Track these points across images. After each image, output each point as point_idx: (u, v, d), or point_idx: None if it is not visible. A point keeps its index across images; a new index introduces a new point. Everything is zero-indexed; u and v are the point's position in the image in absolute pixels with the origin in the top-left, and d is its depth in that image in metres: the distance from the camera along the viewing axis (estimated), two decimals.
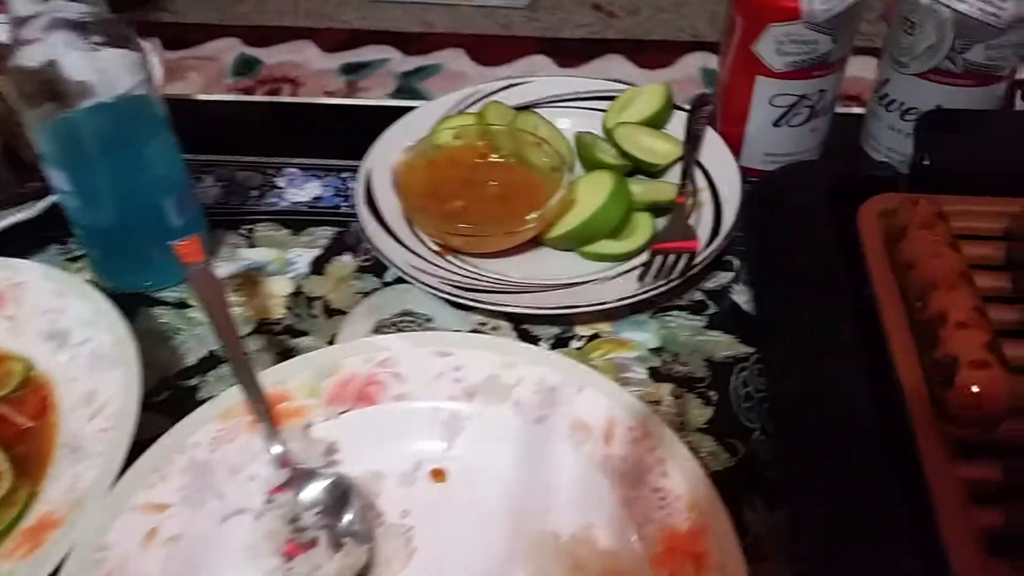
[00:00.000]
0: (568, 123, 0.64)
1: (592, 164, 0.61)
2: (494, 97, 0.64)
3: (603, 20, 0.98)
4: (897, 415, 0.41)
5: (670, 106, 0.63)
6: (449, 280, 0.53)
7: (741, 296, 0.56)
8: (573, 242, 0.57)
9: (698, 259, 0.54)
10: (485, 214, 0.56)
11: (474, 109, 0.64)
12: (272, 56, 0.94)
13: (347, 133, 0.65)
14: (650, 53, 0.91)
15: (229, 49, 0.93)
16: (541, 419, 0.46)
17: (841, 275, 0.49)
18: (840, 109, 0.63)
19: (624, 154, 0.61)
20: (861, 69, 0.86)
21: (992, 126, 0.56)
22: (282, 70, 0.91)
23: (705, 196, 0.59)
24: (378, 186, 0.59)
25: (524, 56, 0.94)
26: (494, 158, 0.60)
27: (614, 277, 0.54)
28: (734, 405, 0.50)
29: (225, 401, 0.45)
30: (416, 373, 0.47)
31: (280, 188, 0.63)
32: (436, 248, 0.56)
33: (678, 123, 0.63)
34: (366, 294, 0.55)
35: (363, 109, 0.71)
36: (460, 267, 0.55)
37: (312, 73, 0.90)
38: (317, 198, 0.62)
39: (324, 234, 0.59)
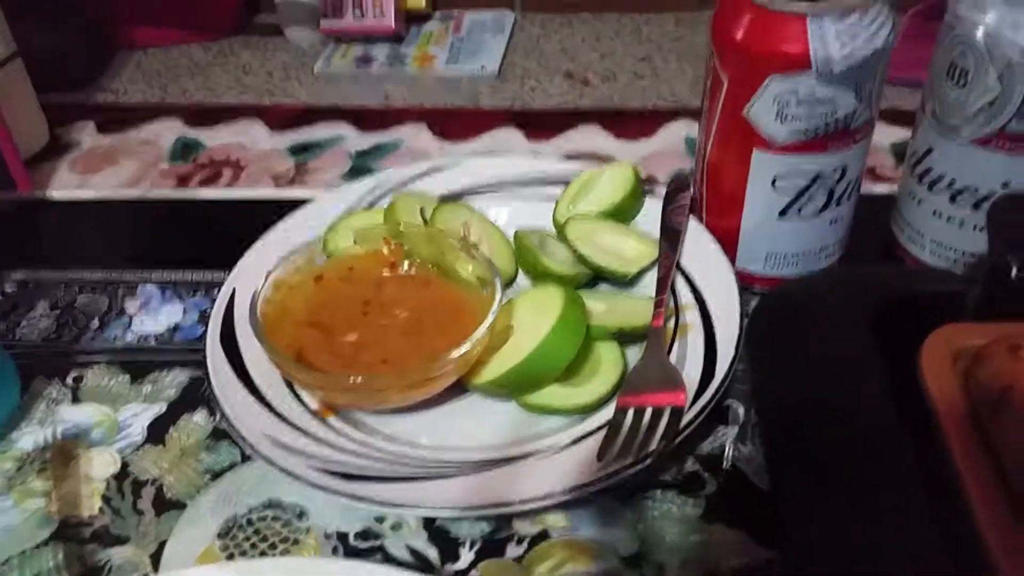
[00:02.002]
0: (507, 218, 0.43)
1: (538, 274, 0.40)
2: (413, 185, 0.44)
3: (577, 88, 0.77)
4: None
5: (640, 192, 0.43)
6: (324, 459, 0.33)
7: (750, 464, 0.34)
8: (509, 389, 0.36)
9: (687, 417, 0.33)
10: (389, 352, 0.36)
11: (388, 202, 0.44)
12: (215, 137, 0.73)
13: (225, 237, 0.44)
14: (628, 122, 0.70)
15: (169, 131, 0.73)
16: None
17: (898, 445, 0.28)
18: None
19: (581, 258, 0.40)
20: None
21: None
22: (225, 152, 0.71)
23: (692, 316, 0.38)
24: (244, 314, 0.38)
25: (492, 129, 0.72)
26: (406, 270, 0.39)
27: (568, 445, 0.34)
28: None
29: None
30: None
31: (129, 315, 0.43)
32: (316, 407, 0.35)
33: (653, 213, 0.42)
34: (217, 474, 0.35)
35: (246, 205, 0.51)
36: (347, 435, 0.34)
37: (258, 154, 0.70)
38: (174, 328, 0.43)
39: (174, 381, 0.40)
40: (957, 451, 0.28)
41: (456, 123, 0.81)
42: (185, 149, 0.76)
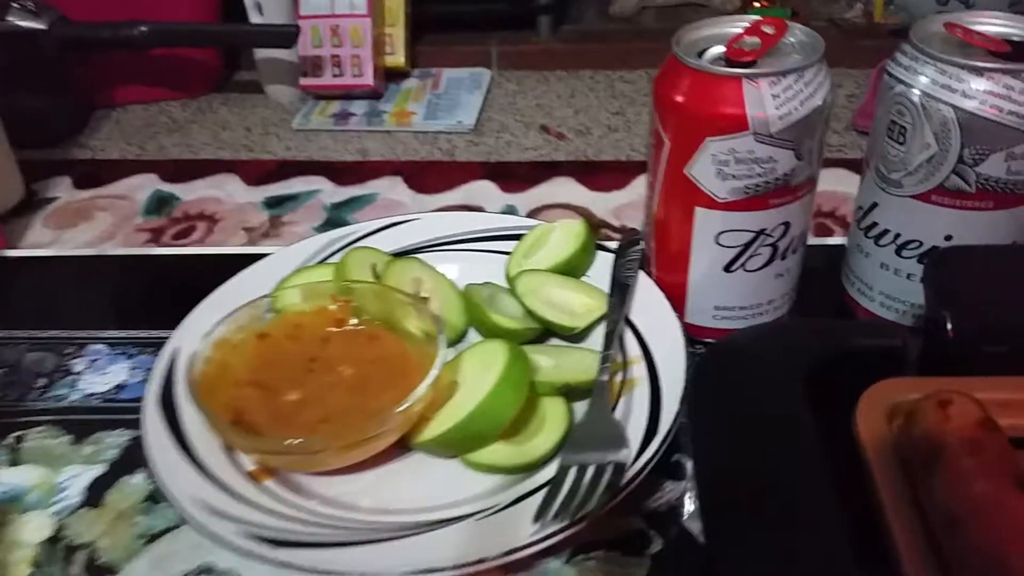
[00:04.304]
0: (461, 272, 0.42)
1: (486, 329, 0.40)
2: (368, 241, 0.43)
3: (551, 142, 0.77)
4: None
5: (591, 247, 0.43)
6: (255, 525, 0.32)
7: (697, 522, 0.33)
8: (452, 447, 0.35)
9: (629, 474, 0.32)
10: (330, 410, 0.35)
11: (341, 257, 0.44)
12: (191, 191, 0.74)
13: (182, 293, 0.44)
14: (601, 175, 0.71)
15: (145, 186, 0.74)
16: None
17: (831, 502, 0.27)
18: (812, 240, 0.41)
19: (530, 313, 0.39)
20: (839, 181, 0.66)
21: None
22: (200, 206, 0.71)
23: (639, 370, 0.37)
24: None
25: (467, 182, 0.72)
26: (353, 327, 0.38)
27: (508, 505, 0.33)
28: None
29: None
30: None
31: (75, 374, 0.42)
32: (252, 468, 0.34)
33: (605, 268, 0.42)
34: (153, 538, 0.34)
35: (207, 260, 0.51)
36: (282, 498, 0.33)
37: (233, 208, 0.70)
38: (119, 387, 0.42)
39: (116, 442, 0.38)
40: (888, 510, 0.27)
41: (431, 176, 0.82)
42: (160, 203, 0.76)
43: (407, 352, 0.37)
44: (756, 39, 0.36)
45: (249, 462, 0.35)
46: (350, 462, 0.34)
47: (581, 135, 0.80)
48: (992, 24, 0.37)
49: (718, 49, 0.37)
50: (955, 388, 0.28)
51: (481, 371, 0.35)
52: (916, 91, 0.36)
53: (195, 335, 0.37)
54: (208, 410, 0.33)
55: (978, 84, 0.35)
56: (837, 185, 0.66)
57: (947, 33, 0.37)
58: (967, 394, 0.28)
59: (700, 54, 0.37)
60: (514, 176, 0.78)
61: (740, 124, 0.35)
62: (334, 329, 0.39)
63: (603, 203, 0.71)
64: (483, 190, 0.76)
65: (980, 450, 0.26)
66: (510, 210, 0.70)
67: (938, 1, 0.79)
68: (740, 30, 0.36)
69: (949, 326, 0.31)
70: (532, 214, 0.68)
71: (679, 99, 0.36)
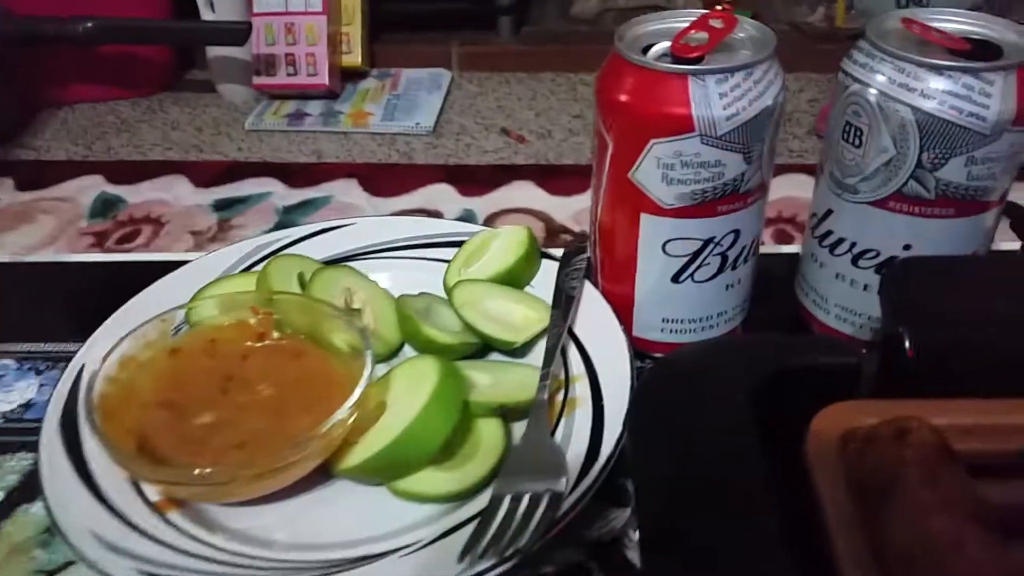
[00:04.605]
0: (397, 282, 0.40)
1: (420, 344, 0.37)
2: (298, 247, 0.40)
3: (511, 145, 0.74)
4: None
5: (535, 255, 0.40)
6: (154, 562, 0.29)
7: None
8: (376, 475, 0.32)
9: (567, 503, 0.29)
10: (245, 434, 0.32)
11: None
12: (138, 194, 0.70)
13: (100, 302, 0.40)
14: (562, 178, 0.68)
15: (91, 188, 0.70)
16: None
17: (777, 535, 0.25)
18: (770, 247, 0.39)
19: (467, 326, 0.37)
20: (799, 186, 0.64)
21: (994, 276, 0.32)
22: (146, 209, 0.68)
23: (582, 389, 0.35)
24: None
25: (424, 185, 0.70)
26: (275, 342, 0.36)
27: (435, 540, 0.30)
28: None
29: None
30: None
31: None
32: (156, 499, 0.31)
33: (550, 278, 0.39)
34: (50, 574, 0.30)
35: (125, 267, 0.47)
36: (186, 532, 0.30)
37: (180, 211, 0.67)
38: (25, 405, 0.38)
39: (16, 466, 0.35)
40: (838, 544, 0.25)
41: (388, 179, 0.79)
42: (105, 206, 0.72)
43: (333, 370, 0.34)
44: (704, 34, 0.34)
45: (155, 491, 0.32)
46: (265, 492, 0.31)
47: (542, 138, 0.78)
48: (951, 21, 0.35)
49: (664, 45, 0.34)
50: (912, 412, 0.26)
51: (410, 391, 0.33)
52: (873, 90, 0.34)
53: (102, 351, 0.34)
54: (106, 437, 0.30)
55: (937, 83, 0.32)
56: (798, 191, 0.64)
57: (905, 30, 0.35)
58: (925, 421, 0.26)
59: (645, 51, 0.35)
60: (473, 179, 0.76)
61: (686, 125, 0.32)
62: (254, 344, 0.36)
63: (563, 207, 0.69)
64: (441, 193, 0.74)
65: (938, 482, 0.24)
66: (468, 214, 0.68)
67: (898, 4, 0.78)
68: (687, 25, 0.34)
69: (907, 343, 0.29)
70: (491, 218, 0.66)
71: (622, 98, 0.33)
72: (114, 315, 0.37)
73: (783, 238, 0.59)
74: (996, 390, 0.29)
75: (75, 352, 0.36)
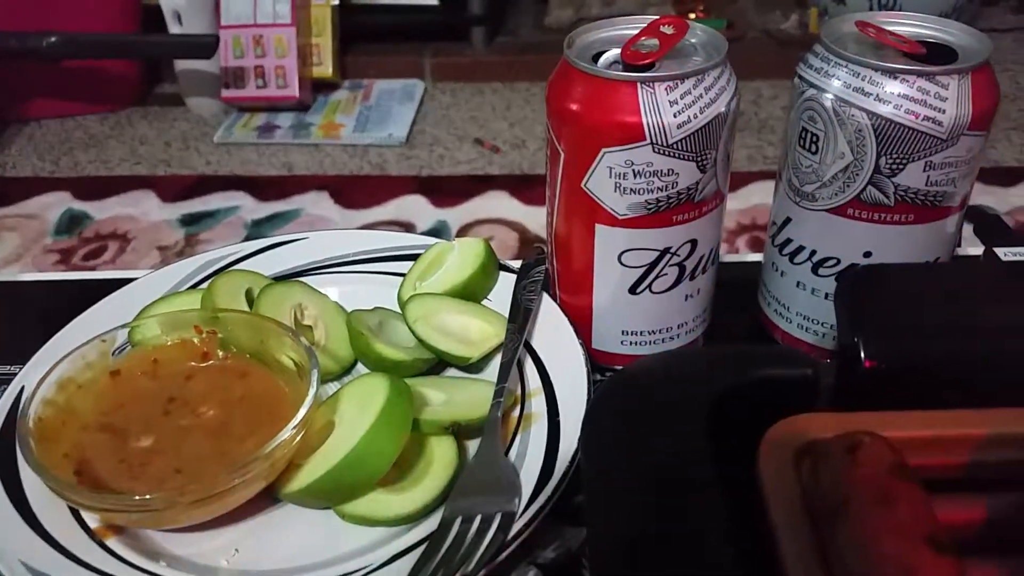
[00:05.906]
0: (350, 297, 0.38)
1: (371, 361, 0.35)
2: (248, 263, 0.39)
3: (485, 155, 0.73)
4: None
5: (492, 268, 0.39)
6: None
7: None
8: (322, 498, 0.31)
9: (519, 524, 0.28)
10: (184, 459, 0.31)
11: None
12: (104, 210, 0.69)
13: (49, 322, 0.38)
14: (535, 188, 0.67)
15: (57, 204, 0.69)
16: None
17: (727, 553, 0.23)
18: (735, 256, 0.38)
19: (420, 341, 0.35)
20: (769, 193, 0.63)
21: (953, 283, 0.31)
22: (113, 224, 0.66)
23: (539, 404, 0.33)
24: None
25: (397, 196, 0.68)
26: (220, 361, 0.34)
27: (383, 564, 0.28)
28: None
29: None
30: None
31: None
32: (96, 525, 0.30)
33: (508, 291, 0.38)
34: None
35: (70, 285, 0.45)
36: (126, 559, 0.29)
37: (147, 227, 0.65)
38: None
39: None
40: (790, 568, 0.24)
41: (360, 191, 0.77)
42: (71, 222, 0.71)
43: (280, 390, 0.33)
44: (655, 40, 0.33)
45: (94, 517, 0.30)
46: (208, 517, 0.30)
47: (516, 148, 0.77)
48: (906, 25, 0.34)
49: (615, 52, 0.33)
50: (868, 425, 0.25)
51: (358, 411, 0.31)
52: (828, 95, 0.33)
53: (40, 373, 0.32)
54: (39, 463, 0.28)
55: (893, 87, 0.32)
56: (768, 197, 0.63)
57: (860, 34, 0.34)
58: (879, 435, 0.24)
59: (596, 58, 0.33)
60: (446, 190, 0.75)
61: (636, 133, 0.31)
62: (198, 364, 0.34)
63: (538, 217, 0.68)
64: (414, 205, 0.72)
65: (891, 502, 0.23)
66: (441, 225, 0.67)
67: (871, 9, 0.77)
68: (637, 31, 0.33)
69: (863, 353, 0.28)
70: (464, 229, 0.65)
71: (573, 107, 0.32)
72: (55, 336, 0.35)
73: (757, 246, 0.58)
74: (955, 401, 0.28)
75: (15, 374, 0.35)
